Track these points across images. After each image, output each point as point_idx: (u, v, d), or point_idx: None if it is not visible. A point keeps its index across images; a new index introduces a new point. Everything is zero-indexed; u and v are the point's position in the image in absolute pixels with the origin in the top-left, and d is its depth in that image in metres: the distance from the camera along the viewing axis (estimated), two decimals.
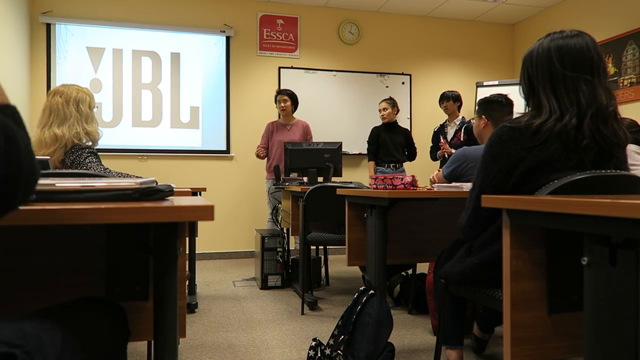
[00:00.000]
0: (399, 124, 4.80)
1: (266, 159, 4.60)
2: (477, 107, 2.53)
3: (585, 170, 1.33)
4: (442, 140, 4.49)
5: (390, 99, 4.70)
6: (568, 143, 1.34)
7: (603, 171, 1.33)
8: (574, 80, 1.37)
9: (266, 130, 4.58)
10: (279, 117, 4.67)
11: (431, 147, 4.76)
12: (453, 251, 1.75)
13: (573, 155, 1.35)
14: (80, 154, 2.08)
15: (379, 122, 4.80)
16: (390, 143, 4.67)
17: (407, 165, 4.81)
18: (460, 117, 4.57)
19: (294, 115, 4.62)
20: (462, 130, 4.42)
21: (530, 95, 1.47)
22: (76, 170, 1.99)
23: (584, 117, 1.35)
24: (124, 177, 2.08)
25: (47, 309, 0.89)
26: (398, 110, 4.74)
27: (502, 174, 1.41)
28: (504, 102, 2.42)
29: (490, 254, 1.47)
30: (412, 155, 4.81)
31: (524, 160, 1.37)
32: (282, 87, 5.35)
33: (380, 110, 4.67)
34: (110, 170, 2.11)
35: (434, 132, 4.75)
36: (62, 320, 0.84)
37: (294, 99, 4.53)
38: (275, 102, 4.58)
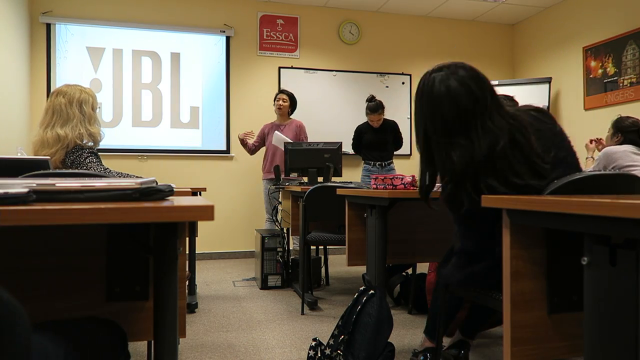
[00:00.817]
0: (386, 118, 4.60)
1: (264, 159, 4.62)
2: None
3: None
4: None
5: (381, 107, 4.41)
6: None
7: (603, 171, 1.33)
8: (446, 147, 1.39)
9: (260, 131, 4.65)
10: (276, 118, 4.67)
11: None
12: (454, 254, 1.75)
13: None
14: (81, 154, 2.08)
15: None
16: (374, 143, 4.57)
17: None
18: None
19: (291, 117, 4.62)
20: None
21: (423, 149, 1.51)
22: (76, 170, 1.99)
23: (462, 182, 1.38)
24: (124, 177, 2.08)
25: (51, 322, 0.90)
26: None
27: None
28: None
29: (491, 260, 1.46)
30: (398, 146, 4.68)
31: None
32: (282, 87, 5.35)
33: (372, 121, 4.46)
34: (110, 171, 2.12)
35: None
36: (66, 333, 0.85)
37: (292, 100, 4.54)
38: (274, 101, 4.58)
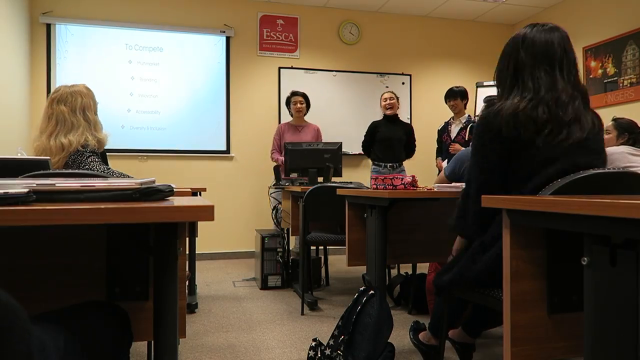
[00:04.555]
0: (400, 118, 4.65)
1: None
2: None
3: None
4: (451, 145, 4.35)
5: (393, 93, 4.57)
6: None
7: (606, 169, 1.33)
8: (533, 68, 1.54)
9: (277, 132, 4.53)
10: (291, 119, 4.60)
11: (437, 149, 4.62)
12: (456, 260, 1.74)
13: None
14: (82, 154, 2.08)
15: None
16: (389, 139, 4.47)
17: (407, 164, 4.72)
18: (466, 115, 4.39)
19: (305, 117, 4.56)
20: (467, 130, 4.25)
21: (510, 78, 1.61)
22: (76, 170, 1.99)
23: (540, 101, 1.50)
24: (124, 178, 2.08)
25: (50, 312, 0.89)
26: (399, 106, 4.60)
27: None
28: None
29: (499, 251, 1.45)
30: (410, 151, 4.62)
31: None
32: (282, 88, 5.35)
33: (386, 99, 4.47)
34: (110, 170, 2.11)
35: (438, 131, 4.59)
36: (65, 323, 0.85)
37: (308, 101, 4.48)
38: (288, 104, 4.51)
